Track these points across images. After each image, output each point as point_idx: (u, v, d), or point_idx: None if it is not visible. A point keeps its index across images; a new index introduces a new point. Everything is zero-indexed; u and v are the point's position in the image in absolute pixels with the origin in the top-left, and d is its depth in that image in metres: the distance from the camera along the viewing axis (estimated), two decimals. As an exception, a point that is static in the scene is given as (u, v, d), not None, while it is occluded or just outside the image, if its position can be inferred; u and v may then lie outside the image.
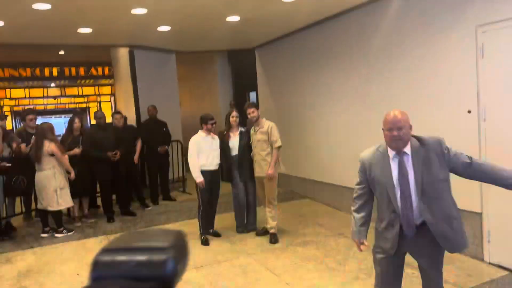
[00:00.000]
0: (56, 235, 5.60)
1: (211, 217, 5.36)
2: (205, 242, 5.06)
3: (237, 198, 5.43)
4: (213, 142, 5.20)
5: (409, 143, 2.45)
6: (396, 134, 2.40)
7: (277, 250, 4.78)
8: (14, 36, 6.15)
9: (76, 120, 6.12)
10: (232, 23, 5.91)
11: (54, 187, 5.41)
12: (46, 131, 5.47)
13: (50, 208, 5.48)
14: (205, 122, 5.12)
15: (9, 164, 5.48)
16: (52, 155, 5.38)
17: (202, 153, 5.08)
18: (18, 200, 6.24)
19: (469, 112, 4.13)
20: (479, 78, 4.04)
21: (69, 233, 5.66)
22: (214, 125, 5.14)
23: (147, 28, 6.04)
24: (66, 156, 5.55)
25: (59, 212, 5.65)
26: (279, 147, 5.03)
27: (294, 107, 7.29)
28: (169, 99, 8.30)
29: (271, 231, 5.11)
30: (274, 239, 5.04)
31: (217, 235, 5.33)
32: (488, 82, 3.97)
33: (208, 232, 5.26)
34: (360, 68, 5.62)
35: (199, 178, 5.02)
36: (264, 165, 5.05)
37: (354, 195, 2.71)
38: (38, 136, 5.51)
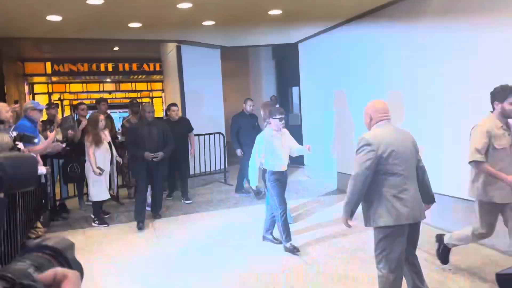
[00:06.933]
0: (93, 224, 5.64)
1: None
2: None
3: None
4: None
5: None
6: None
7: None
8: (71, 31, 6.58)
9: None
10: (274, 16, 5.96)
11: (89, 178, 5.59)
12: (88, 123, 5.72)
13: (89, 198, 5.78)
14: (271, 115, 4.45)
15: (69, 148, 5.75)
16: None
17: (272, 153, 4.44)
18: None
19: None
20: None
21: (102, 226, 5.60)
22: (281, 120, 4.45)
23: (193, 23, 6.24)
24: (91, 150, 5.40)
25: (98, 202, 5.69)
26: None
27: (335, 104, 7.18)
28: (214, 95, 8.51)
29: None
30: None
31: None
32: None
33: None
34: (408, 64, 5.40)
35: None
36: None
37: None
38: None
